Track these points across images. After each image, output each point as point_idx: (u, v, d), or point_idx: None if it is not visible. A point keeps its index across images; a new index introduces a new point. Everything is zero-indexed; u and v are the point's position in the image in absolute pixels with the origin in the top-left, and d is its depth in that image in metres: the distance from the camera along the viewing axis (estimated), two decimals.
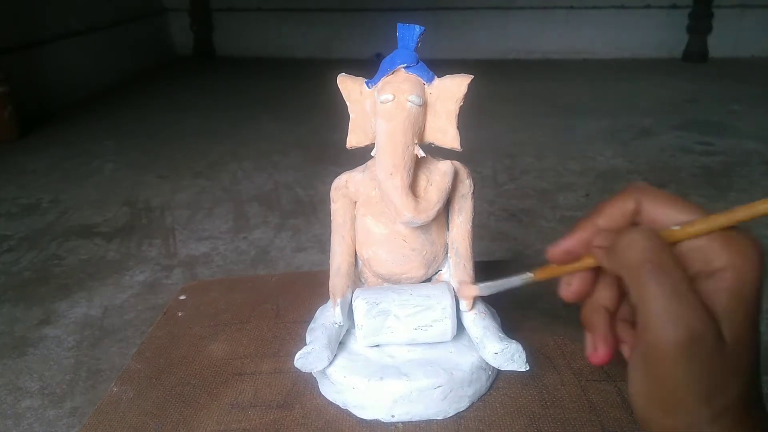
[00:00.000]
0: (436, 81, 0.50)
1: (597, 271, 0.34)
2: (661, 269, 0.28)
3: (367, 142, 0.53)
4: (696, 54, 4.22)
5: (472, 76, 0.49)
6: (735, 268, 0.29)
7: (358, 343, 0.54)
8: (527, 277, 0.40)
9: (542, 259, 0.36)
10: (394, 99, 0.48)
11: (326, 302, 0.58)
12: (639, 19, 4.35)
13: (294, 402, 0.53)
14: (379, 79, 0.51)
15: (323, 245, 1.73)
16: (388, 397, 0.50)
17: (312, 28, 4.60)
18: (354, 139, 0.54)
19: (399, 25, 0.50)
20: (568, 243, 0.34)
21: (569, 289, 0.35)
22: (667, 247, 0.29)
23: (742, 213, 0.28)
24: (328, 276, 0.56)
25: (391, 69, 0.50)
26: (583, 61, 4.38)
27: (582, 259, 0.34)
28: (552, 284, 0.36)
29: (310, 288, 0.70)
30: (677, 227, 0.30)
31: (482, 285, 0.49)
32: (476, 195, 0.56)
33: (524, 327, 0.62)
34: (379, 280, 0.57)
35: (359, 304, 0.53)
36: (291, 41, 4.61)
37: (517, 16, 4.44)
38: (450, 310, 0.52)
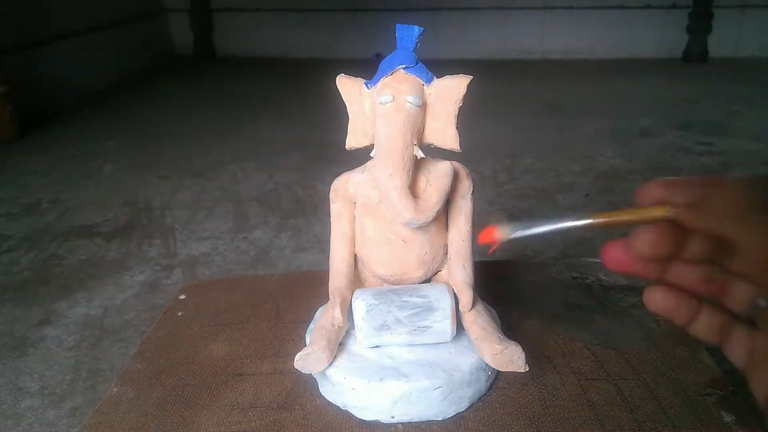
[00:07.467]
0: (436, 81, 0.50)
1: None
2: None
3: (367, 143, 0.53)
4: (696, 54, 4.22)
5: (471, 77, 0.49)
6: None
7: (357, 344, 0.54)
8: (585, 222, 0.33)
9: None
10: (393, 100, 0.48)
11: (326, 302, 0.58)
12: (639, 19, 4.34)
13: (294, 403, 0.53)
14: (378, 80, 0.50)
15: (323, 245, 1.73)
16: (388, 398, 0.50)
17: (312, 28, 4.59)
18: (353, 140, 0.54)
19: (398, 26, 0.50)
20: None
21: (646, 238, 0.28)
22: None
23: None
24: (328, 276, 0.56)
25: (390, 70, 0.50)
26: (583, 61, 4.38)
27: (650, 209, 0.29)
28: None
29: (310, 288, 0.70)
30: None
31: (518, 225, 0.37)
32: (476, 195, 0.56)
33: (524, 327, 0.62)
34: (379, 280, 0.57)
35: (359, 305, 0.52)
36: (291, 41, 4.60)
37: (517, 16, 4.44)
38: (449, 311, 0.52)
